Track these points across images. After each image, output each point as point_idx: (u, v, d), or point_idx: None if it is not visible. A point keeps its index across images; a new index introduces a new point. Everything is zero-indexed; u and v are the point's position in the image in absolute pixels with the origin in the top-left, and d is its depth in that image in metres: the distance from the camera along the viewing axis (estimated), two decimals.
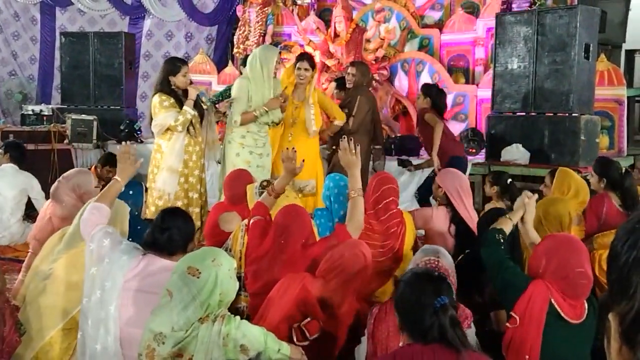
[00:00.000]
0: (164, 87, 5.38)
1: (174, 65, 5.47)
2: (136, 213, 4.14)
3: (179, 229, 2.99)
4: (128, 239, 3.91)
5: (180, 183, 5.44)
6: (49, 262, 3.17)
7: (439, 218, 4.35)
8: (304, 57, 6.06)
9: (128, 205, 4.06)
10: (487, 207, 5.00)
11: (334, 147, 6.21)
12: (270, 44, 9.84)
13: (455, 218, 4.27)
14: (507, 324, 2.72)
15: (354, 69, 6.33)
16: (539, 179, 5.80)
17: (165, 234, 2.94)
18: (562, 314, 2.66)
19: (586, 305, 2.74)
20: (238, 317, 2.52)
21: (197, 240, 5.25)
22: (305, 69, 5.81)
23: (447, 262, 2.89)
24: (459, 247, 4.11)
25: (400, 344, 2.32)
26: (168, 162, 5.39)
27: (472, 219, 4.22)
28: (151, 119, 5.46)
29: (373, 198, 3.99)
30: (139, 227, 3.84)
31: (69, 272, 3.08)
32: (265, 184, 4.08)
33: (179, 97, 5.41)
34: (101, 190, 3.37)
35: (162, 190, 5.40)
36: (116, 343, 2.69)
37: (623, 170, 4.84)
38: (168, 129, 5.35)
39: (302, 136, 5.91)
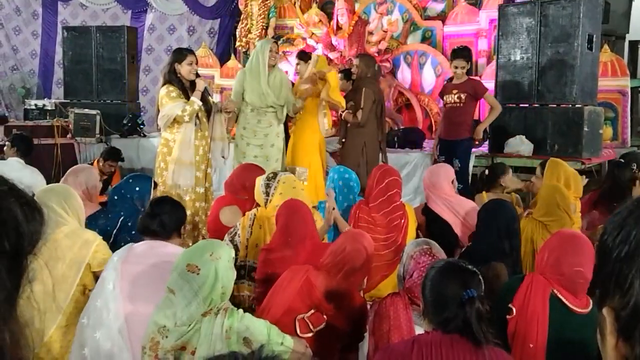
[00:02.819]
0: (171, 75, 5.36)
1: (181, 53, 5.49)
2: (142, 209, 4.15)
3: (168, 214, 3.18)
4: (131, 227, 3.96)
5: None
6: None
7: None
8: (297, 55, 6.70)
9: (133, 200, 4.09)
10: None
11: (343, 140, 6.24)
12: (272, 37, 9.83)
13: (426, 210, 4.36)
14: (507, 316, 2.73)
15: (357, 61, 6.40)
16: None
17: (155, 219, 3.14)
18: (568, 304, 2.65)
19: (590, 299, 2.74)
20: (241, 310, 2.52)
21: (200, 235, 5.28)
22: (297, 64, 6.50)
23: (438, 251, 2.90)
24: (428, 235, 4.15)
25: (422, 331, 2.32)
26: (180, 155, 5.37)
27: (446, 211, 4.30)
28: (157, 111, 5.46)
29: (376, 190, 3.99)
30: None
31: (51, 267, 3.05)
32: (271, 175, 4.07)
33: (186, 89, 5.40)
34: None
35: (176, 185, 5.38)
36: (117, 320, 2.69)
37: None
38: (174, 121, 5.33)
39: (300, 126, 6.23)
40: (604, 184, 4.78)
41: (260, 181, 4.00)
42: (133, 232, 3.96)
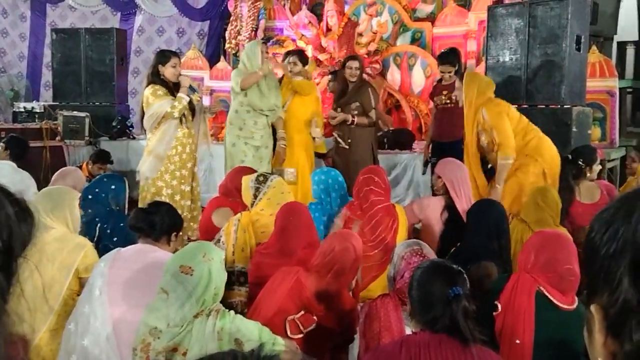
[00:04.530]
0: (155, 77, 5.37)
1: (164, 55, 5.51)
2: (117, 208, 4.13)
3: (160, 216, 3.18)
4: (110, 233, 3.91)
5: (177, 177, 5.44)
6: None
7: (435, 206, 4.36)
8: (294, 52, 6.42)
9: (109, 200, 4.06)
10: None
11: (349, 140, 6.14)
12: (262, 38, 9.84)
13: (449, 207, 4.29)
14: (494, 313, 2.74)
15: (356, 63, 6.24)
16: None
17: (147, 217, 3.14)
18: (554, 300, 2.67)
19: (576, 297, 2.76)
20: (232, 312, 2.52)
21: (187, 235, 5.27)
22: (294, 63, 6.12)
23: (429, 251, 2.92)
24: (447, 234, 4.11)
25: (410, 332, 2.32)
26: (155, 148, 5.38)
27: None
28: (142, 113, 5.42)
29: (355, 189, 4.05)
30: (121, 224, 3.84)
31: (42, 269, 3.02)
32: (261, 178, 4.06)
33: (171, 90, 5.40)
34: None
35: (146, 177, 5.41)
36: (105, 326, 2.66)
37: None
38: (161, 120, 5.33)
39: (288, 125, 6.03)
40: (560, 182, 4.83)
41: (248, 182, 3.98)
42: (115, 239, 3.87)
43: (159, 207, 3.31)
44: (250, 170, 4.54)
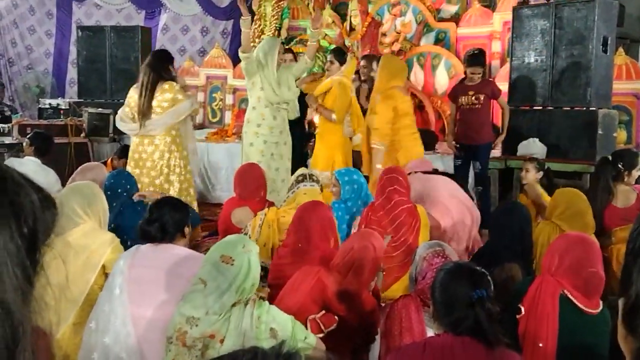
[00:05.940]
0: (169, 76, 5.44)
1: (169, 55, 5.67)
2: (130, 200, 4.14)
3: (168, 217, 3.03)
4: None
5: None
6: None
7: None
8: (333, 50, 6.41)
9: (124, 195, 4.06)
10: None
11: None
12: (285, 38, 9.85)
13: None
14: (517, 316, 2.73)
15: (363, 62, 6.27)
16: (555, 174, 5.76)
17: (154, 224, 2.99)
18: (578, 304, 2.64)
19: (601, 301, 2.73)
20: (267, 302, 2.59)
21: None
22: (330, 62, 6.04)
23: (451, 252, 2.91)
24: None
25: (433, 333, 2.32)
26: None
27: None
28: (146, 105, 5.41)
29: (378, 187, 4.06)
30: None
31: (68, 263, 3.02)
32: (300, 178, 4.11)
33: None
34: None
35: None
36: (125, 324, 2.70)
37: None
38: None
39: (322, 128, 6.00)
40: (598, 183, 4.74)
41: (294, 176, 4.11)
42: (129, 243, 3.56)
43: (162, 208, 3.10)
44: (255, 166, 4.59)
